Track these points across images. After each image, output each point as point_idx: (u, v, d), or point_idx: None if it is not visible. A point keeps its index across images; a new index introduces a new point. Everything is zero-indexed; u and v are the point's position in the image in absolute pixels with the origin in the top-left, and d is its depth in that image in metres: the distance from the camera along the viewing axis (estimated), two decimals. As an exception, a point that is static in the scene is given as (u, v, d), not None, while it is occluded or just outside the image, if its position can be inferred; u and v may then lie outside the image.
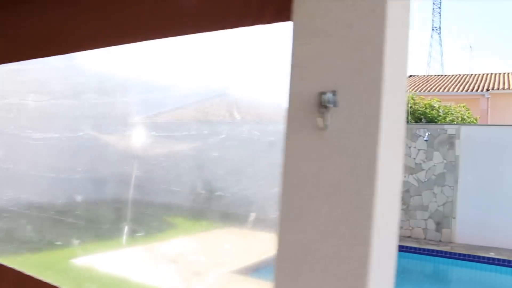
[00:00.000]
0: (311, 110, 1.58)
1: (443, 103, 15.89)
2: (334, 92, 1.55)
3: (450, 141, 10.49)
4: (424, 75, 29.54)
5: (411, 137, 10.92)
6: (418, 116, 14.45)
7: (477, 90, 22.71)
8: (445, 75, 29.23)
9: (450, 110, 15.30)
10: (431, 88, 24.40)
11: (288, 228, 1.64)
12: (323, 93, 1.56)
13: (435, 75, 30.11)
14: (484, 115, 20.53)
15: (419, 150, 10.82)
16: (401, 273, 9.58)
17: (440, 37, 45.32)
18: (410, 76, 28.62)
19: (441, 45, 44.80)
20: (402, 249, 9.91)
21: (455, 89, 23.76)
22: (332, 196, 1.55)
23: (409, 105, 14.47)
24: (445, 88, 24.32)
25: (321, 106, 1.55)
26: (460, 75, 27.74)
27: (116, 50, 2.78)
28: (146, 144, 2.77)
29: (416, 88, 24.00)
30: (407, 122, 13.86)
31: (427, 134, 10.60)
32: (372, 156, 1.47)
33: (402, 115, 1.67)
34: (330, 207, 1.54)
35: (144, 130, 2.79)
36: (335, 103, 1.54)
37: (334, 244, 1.51)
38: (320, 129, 1.56)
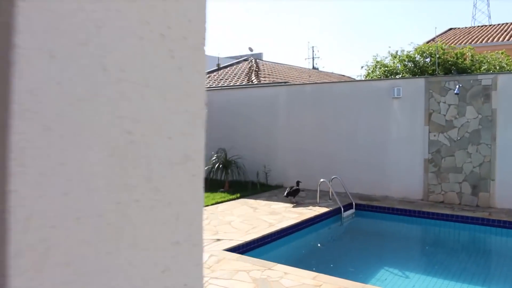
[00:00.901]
0: None
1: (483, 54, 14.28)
2: None
3: (485, 93, 9.20)
4: (466, 27, 27.30)
5: (440, 91, 9.68)
6: (448, 68, 12.93)
7: (524, 38, 20.66)
8: (490, 25, 26.96)
9: (485, 58, 13.60)
10: (474, 40, 22.44)
11: None
12: None
13: (477, 26, 27.83)
14: (533, 65, 18.60)
15: (449, 105, 9.58)
16: (433, 244, 8.56)
17: (485, -15, 42.08)
18: (450, 29, 26.54)
19: (486, -6, 41.56)
20: (433, 216, 8.88)
21: (500, 39, 21.74)
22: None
23: (437, 56, 12.99)
24: (489, 39, 22.31)
25: None
26: (506, 23, 25.47)
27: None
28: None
29: (456, 42, 22.11)
30: (434, 74, 12.47)
31: (458, 86, 9.33)
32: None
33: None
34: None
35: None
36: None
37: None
38: None
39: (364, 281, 6.03)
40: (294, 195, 9.99)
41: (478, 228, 8.42)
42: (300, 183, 10.29)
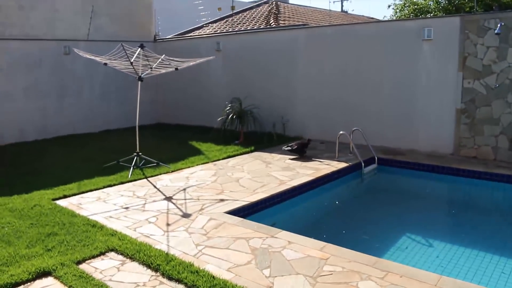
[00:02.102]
0: None
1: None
2: None
3: (532, 33, 7.99)
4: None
5: (477, 31, 8.48)
6: (489, 4, 11.46)
7: None
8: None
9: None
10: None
11: None
12: None
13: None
14: None
15: (488, 47, 8.41)
16: (463, 206, 7.69)
17: None
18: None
19: None
20: (464, 173, 7.98)
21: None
22: None
23: (476, -10, 11.56)
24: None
25: None
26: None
27: None
28: None
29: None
30: (471, 12, 11.08)
31: (499, 25, 8.10)
32: None
33: None
34: None
35: None
36: None
37: None
38: None
39: (381, 250, 5.32)
40: (298, 152, 9.25)
41: (515, 187, 7.52)
42: (311, 141, 9.54)
